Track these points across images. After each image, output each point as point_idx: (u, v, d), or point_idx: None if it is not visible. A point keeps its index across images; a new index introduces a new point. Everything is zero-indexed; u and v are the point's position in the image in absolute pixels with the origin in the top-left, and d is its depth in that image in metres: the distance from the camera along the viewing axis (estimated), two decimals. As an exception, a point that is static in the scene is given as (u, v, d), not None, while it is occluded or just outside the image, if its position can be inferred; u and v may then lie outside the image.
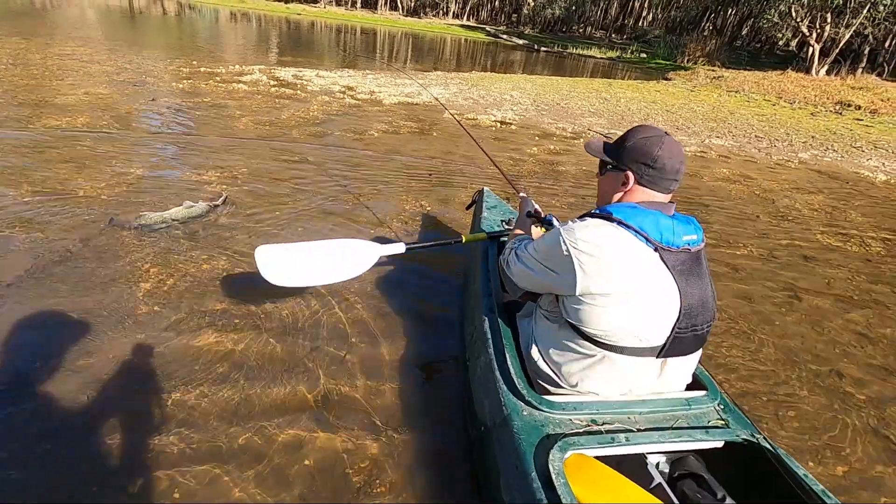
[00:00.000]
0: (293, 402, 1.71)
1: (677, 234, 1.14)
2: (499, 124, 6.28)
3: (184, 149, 4.06)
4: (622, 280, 1.11)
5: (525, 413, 1.24)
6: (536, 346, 1.36)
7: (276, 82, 7.28)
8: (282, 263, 1.96)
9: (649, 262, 1.12)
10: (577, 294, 1.16)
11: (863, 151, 7.25)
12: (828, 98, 12.04)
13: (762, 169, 5.70)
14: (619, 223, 1.13)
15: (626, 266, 1.11)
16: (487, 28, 33.54)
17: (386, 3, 37.78)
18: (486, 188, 2.74)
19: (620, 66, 20.34)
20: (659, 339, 1.16)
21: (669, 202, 1.21)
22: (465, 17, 39.09)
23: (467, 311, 2.05)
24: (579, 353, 1.22)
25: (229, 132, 4.64)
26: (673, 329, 1.14)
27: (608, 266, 1.12)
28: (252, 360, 1.88)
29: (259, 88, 6.71)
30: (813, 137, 7.89)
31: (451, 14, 38.88)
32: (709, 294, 1.18)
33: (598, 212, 1.19)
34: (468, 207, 2.79)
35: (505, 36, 29.38)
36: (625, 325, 1.14)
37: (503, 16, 41.18)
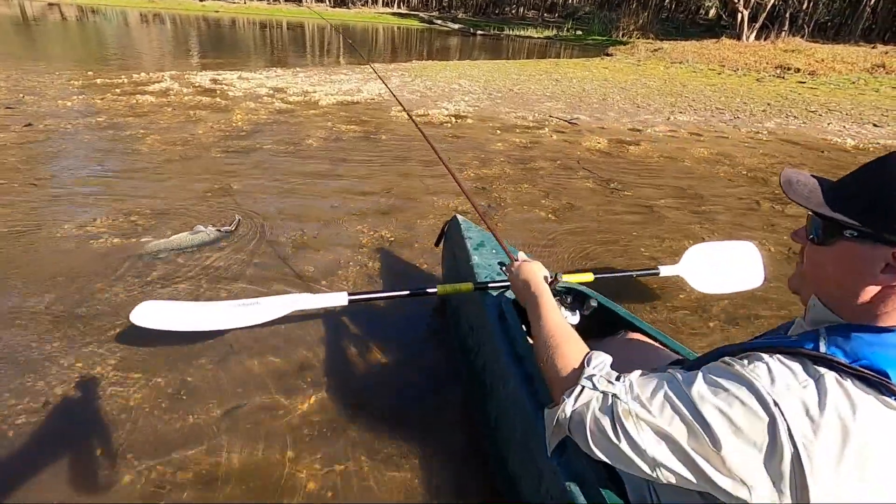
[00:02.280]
0: None
1: None
2: (454, 119, 5.62)
3: (66, 187, 3.14)
4: None
5: None
6: None
7: (190, 90, 6.27)
8: (166, 314, 1.49)
9: None
10: None
11: (820, 116, 7.13)
12: (767, 63, 12.15)
13: (737, 145, 5.35)
14: None
15: None
16: (421, 14, 32.57)
17: (311, -5, 35.92)
18: (458, 216, 2.08)
19: (559, 45, 20.10)
20: None
21: None
22: (395, 5, 37.85)
23: (503, 446, 1.32)
24: None
25: (130, 158, 3.73)
26: None
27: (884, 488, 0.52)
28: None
29: (169, 99, 5.71)
30: (769, 105, 7.74)
31: (380, 2, 37.53)
32: None
33: (838, 356, 0.58)
34: (437, 242, 2.14)
35: (439, 21, 28.57)
36: None
37: (434, 1, 40.23)
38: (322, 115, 5.40)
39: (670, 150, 4.95)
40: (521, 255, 1.26)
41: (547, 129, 5.39)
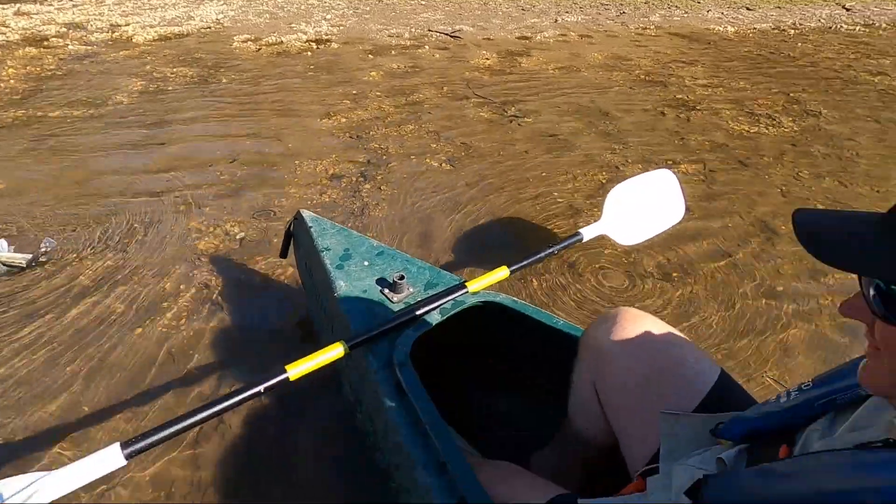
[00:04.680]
0: None
1: None
2: (315, 45, 4.61)
3: None
4: None
5: None
6: None
7: (-63, 37, 4.53)
8: None
9: None
10: None
11: (699, 3, 6.98)
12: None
13: (629, 44, 4.99)
14: None
15: None
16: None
17: None
18: (304, 212, 1.44)
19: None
20: None
21: None
22: None
23: None
24: None
25: None
26: None
27: None
28: None
29: None
30: (650, -5, 7.44)
31: None
32: None
33: None
34: (283, 254, 1.54)
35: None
36: None
37: None
38: (138, 57, 4.14)
39: (564, 57, 4.46)
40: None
41: (427, 48, 4.61)
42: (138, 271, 1.81)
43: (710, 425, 0.74)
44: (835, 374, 0.64)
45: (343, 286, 1.20)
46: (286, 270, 1.81)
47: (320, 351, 1.02)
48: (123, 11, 5.69)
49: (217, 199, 2.25)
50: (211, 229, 2.04)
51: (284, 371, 0.98)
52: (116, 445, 0.82)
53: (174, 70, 3.84)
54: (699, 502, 0.54)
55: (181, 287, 1.74)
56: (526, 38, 5.09)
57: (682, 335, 0.91)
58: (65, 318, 1.59)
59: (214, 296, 1.71)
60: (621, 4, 6.76)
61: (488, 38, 4.99)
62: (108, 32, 4.81)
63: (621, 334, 0.89)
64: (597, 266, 1.94)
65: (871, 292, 0.44)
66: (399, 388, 0.99)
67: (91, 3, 6.17)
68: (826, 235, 0.46)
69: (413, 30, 5.20)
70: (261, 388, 0.95)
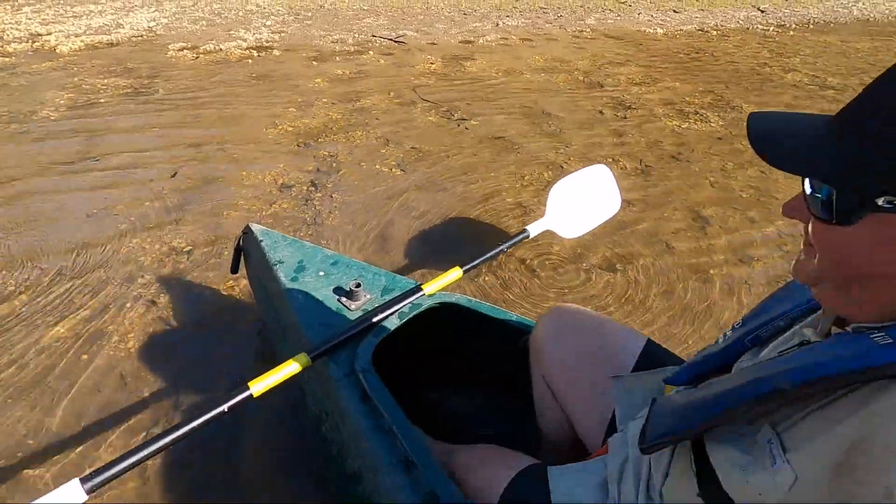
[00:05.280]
0: None
1: None
2: (255, 52, 4.51)
3: None
4: None
5: None
6: None
7: None
8: None
9: None
10: None
11: (630, 6, 7.35)
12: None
13: (568, 46, 5.20)
14: None
15: None
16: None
17: None
18: (254, 226, 1.43)
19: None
20: None
21: None
22: None
23: None
24: None
25: None
26: None
27: None
28: None
29: None
30: (585, -1, 7.76)
31: None
32: None
33: None
34: (233, 269, 1.52)
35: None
36: None
37: None
38: (64, 68, 3.91)
39: (507, 61, 4.58)
40: None
41: (372, 53, 4.62)
42: (78, 296, 1.72)
43: (658, 377, 0.80)
44: (760, 309, 0.71)
45: (300, 298, 1.21)
46: (238, 284, 1.79)
47: (283, 364, 1.02)
48: (43, 19, 5.34)
49: (160, 215, 2.18)
50: (156, 247, 1.98)
51: (248, 388, 0.98)
52: (76, 481, 0.80)
53: (105, 81, 3.66)
54: (645, 441, 0.60)
55: (127, 307, 1.68)
56: (469, 42, 5.19)
57: (608, 317, 1.00)
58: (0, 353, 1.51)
59: (164, 314, 1.66)
60: (558, 8, 7.02)
61: (432, 43, 5.06)
62: (27, 42, 4.51)
63: (557, 328, 0.97)
64: (547, 261, 2.03)
65: (809, 191, 0.48)
66: (364, 395, 1.01)
67: (5, 10, 5.76)
68: (774, 138, 0.50)
69: (357, 35, 5.19)
70: (225, 407, 0.94)
